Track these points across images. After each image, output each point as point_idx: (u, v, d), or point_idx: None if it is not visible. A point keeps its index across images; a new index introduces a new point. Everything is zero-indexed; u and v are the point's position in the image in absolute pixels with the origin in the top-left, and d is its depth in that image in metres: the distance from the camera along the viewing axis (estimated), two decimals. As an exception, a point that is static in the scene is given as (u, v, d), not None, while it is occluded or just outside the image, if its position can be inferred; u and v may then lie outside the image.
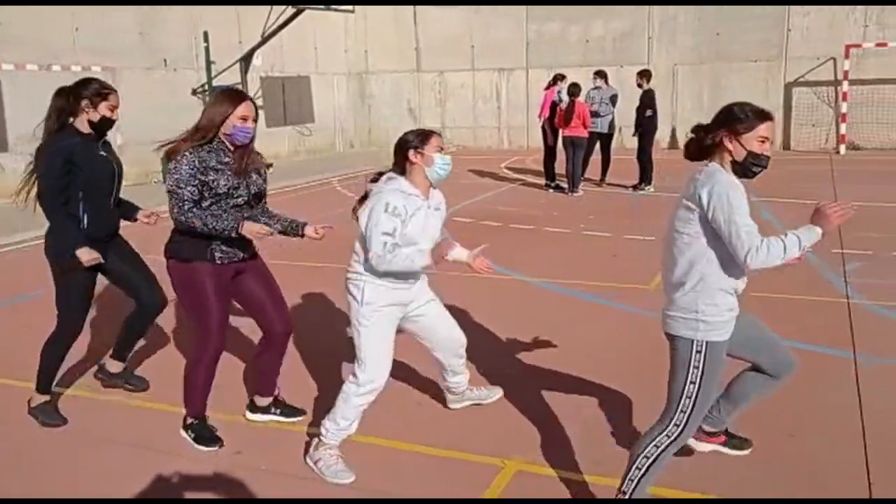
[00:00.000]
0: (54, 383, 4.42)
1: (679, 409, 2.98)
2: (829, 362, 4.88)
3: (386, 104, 21.92)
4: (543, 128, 13.20)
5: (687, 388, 2.95)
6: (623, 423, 4.11)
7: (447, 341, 3.96)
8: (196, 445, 3.93)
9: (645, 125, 12.78)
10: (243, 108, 3.65)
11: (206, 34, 15.28)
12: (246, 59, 16.15)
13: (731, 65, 18.27)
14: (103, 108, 4.16)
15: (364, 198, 3.60)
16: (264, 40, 15.98)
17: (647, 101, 12.73)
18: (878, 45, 16.57)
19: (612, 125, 13.21)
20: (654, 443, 3.01)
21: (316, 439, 3.72)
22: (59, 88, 4.17)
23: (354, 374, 3.60)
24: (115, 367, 4.72)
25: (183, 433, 4.01)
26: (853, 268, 7.18)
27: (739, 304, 3.03)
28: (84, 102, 4.11)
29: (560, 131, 12.59)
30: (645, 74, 12.96)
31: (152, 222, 4.40)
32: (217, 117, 3.63)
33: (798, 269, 7.30)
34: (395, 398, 4.29)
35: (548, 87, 13.44)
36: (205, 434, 3.98)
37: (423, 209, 3.50)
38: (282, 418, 4.22)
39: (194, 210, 3.59)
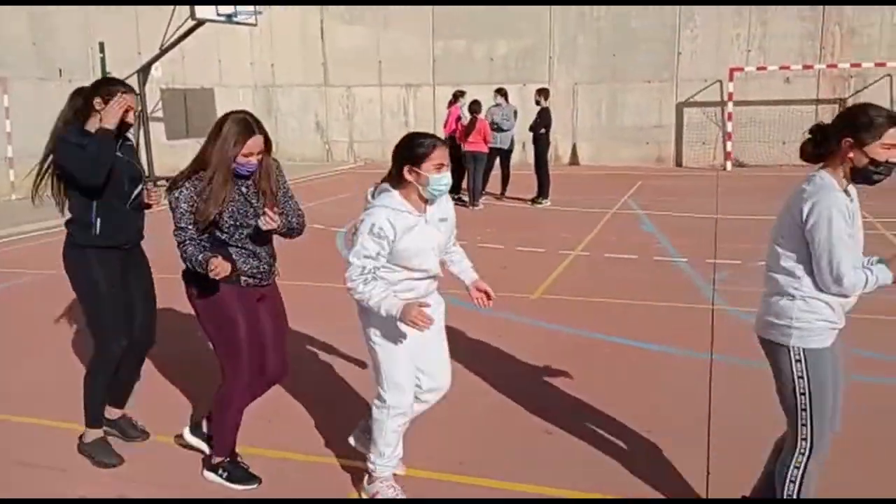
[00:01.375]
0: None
1: (800, 424, 2.89)
2: (688, 364, 5.25)
3: (293, 118, 21.87)
4: (452, 144, 13.52)
5: (799, 399, 2.89)
6: (495, 423, 4.32)
7: (431, 366, 3.61)
8: (231, 486, 3.67)
9: (539, 142, 13.26)
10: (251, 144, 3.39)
11: (101, 44, 14.95)
12: (144, 70, 15.85)
13: (627, 85, 19.09)
14: (116, 108, 3.78)
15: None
16: (163, 52, 15.73)
17: (542, 118, 13.22)
18: (759, 68, 17.68)
19: (512, 141, 13.64)
20: (793, 465, 2.92)
21: (367, 474, 3.54)
22: (75, 89, 3.92)
23: (379, 398, 3.40)
24: (113, 413, 4.20)
25: (210, 475, 3.72)
26: (722, 276, 7.69)
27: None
28: (96, 101, 3.78)
29: (461, 146, 12.92)
30: (543, 93, 13.46)
31: (153, 201, 4.00)
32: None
33: (673, 277, 7.80)
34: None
35: (450, 104, 13.79)
36: (238, 473, 3.72)
37: (419, 224, 3.24)
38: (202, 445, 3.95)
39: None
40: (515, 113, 13.57)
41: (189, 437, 3.94)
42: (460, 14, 19.75)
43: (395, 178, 3.27)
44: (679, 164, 19.02)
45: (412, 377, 3.40)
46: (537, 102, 13.41)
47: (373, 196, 3.31)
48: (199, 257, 3.32)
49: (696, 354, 5.44)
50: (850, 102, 17.73)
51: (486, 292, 3.51)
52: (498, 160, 13.52)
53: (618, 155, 19.14)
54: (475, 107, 12.74)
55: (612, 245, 9.41)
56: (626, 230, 10.43)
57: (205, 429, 3.91)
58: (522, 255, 9.02)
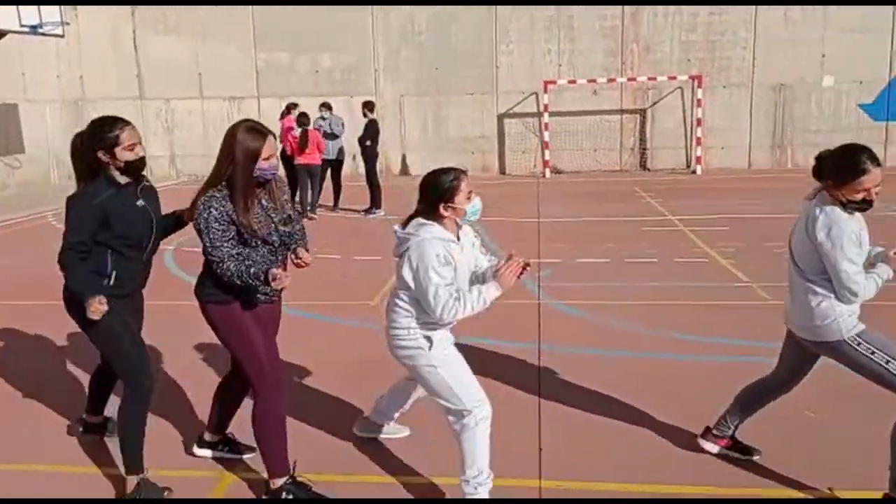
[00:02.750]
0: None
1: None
2: (518, 353, 5.67)
3: (108, 133, 20.71)
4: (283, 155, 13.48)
5: (879, 362, 3.35)
6: (338, 424, 4.47)
7: None
8: None
9: (366, 153, 13.51)
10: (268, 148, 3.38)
11: None
12: (-64, 84, 14.48)
13: (450, 97, 19.82)
14: (121, 153, 3.58)
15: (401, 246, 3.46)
16: (-42, 63, 14.46)
17: (368, 130, 13.49)
18: (570, 81, 18.99)
19: (341, 152, 13.78)
20: None
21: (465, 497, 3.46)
22: (76, 134, 3.72)
23: (458, 412, 3.43)
24: (94, 419, 4.36)
25: (272, 499, 3.58)
26: (546, 274, 8.29)
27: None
28: (100, 154, 3.57)
29: (294, 159, 12.90)
30: (368, 105, 13.73)
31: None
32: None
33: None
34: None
35: (282, 117, 13.74)
36: (302, 493, 3.57)
37: (458, 252, 3.41)
38: (230, 454, 4.05)
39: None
40: (343, 124, 13.76)
41: (199, 451, 4.04)
42: (282, 26, 19.66)
43: (429, 213, 3.41)
44: (503, 172, 19.99)
45: (476, 382, 3.51)
46: (364, 115, 13.66)
47: (404, 229, 3.45)
48: (253, 271, 3.31)
49: (525, 345, 5.87)
50: (649, 113, 19.52)
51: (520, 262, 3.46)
52: (329, 172, 13.62)
53: (445, 164, 19.61)
54: (304, 119, 12.80)
55: (445, 250, 9.81)
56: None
57: (206, 437, 4.03)
58: (360, 264, 9.21)
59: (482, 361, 5.54)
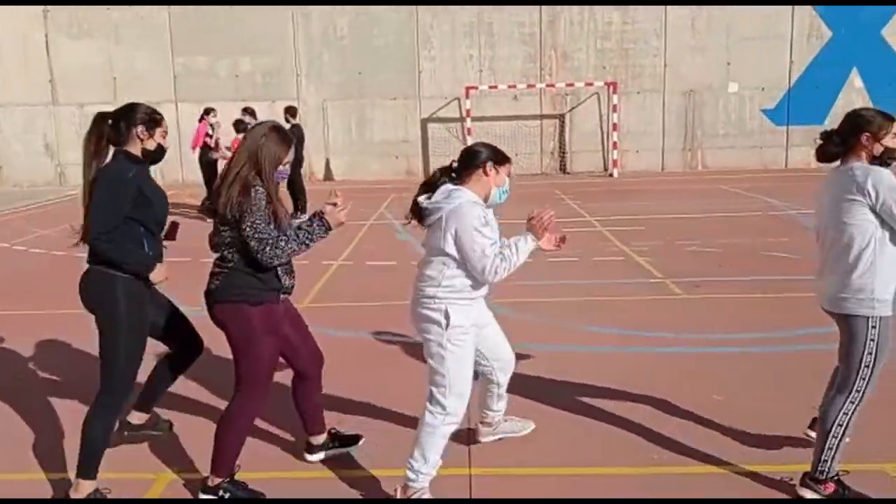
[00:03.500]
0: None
1: (860, 378, 3.45)
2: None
3: (17, 140, 20.01)
4: (201, 159, 13.40)
5: (865, 359, 3.44)
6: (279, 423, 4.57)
7: (508, 357, 3.97)
8: (246, 496, 3.63)
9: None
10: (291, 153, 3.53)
11: None
12: None
13: (374, 101, 19.94)
14: (158, 136, 3.67)
15: (415, 212, 3.57)
16: None
17: (294, 136, 13.49)
18: (491, 87, 19.40)
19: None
20: (842, 412, 3.47)
21: (400, 487, 3.50)
22: (99, 113, 3.68)
23: (438, 404, 3.44)
24: (138, 418, 4.17)
25: (209, 496, 3.60)
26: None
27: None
28: (140, 129, 3.60)
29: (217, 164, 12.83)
30: (290, 111, 13.70)
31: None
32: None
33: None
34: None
35: (200, 120, 13.64)
36: (239, 492, 3.63)
37: (490, 214, 3.52)
38: (342, 449, 4.08)
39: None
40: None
41: (312, 458, 4.01)
42: (200, 30, 19.40)
43: (464, 180, 3.53)
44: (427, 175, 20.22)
45: (471, 387, 3.53)
46: (287, 120, 13.64)
47: (429, 199, 3.51)
48: (308, 221, 3.42)
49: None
50: (567, 118, 20.10)
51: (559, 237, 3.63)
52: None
53: (370, 169, 19.91)
54: (240, 125, 12.81)
55: (372, 253, 9.96)
56: (384, 239, 11.04)
57: (312, 441, 4.03)
58: (287, 268, 9.25)
59: (410, 358, 5.72)
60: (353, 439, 4.13)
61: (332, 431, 4.13)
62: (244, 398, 3.54)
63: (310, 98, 19.76)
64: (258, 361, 3.50)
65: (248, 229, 3.31)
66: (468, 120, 19.32)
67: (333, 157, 20.21)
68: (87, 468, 3.57)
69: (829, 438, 3.49)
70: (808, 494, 3.56)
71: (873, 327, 3.41)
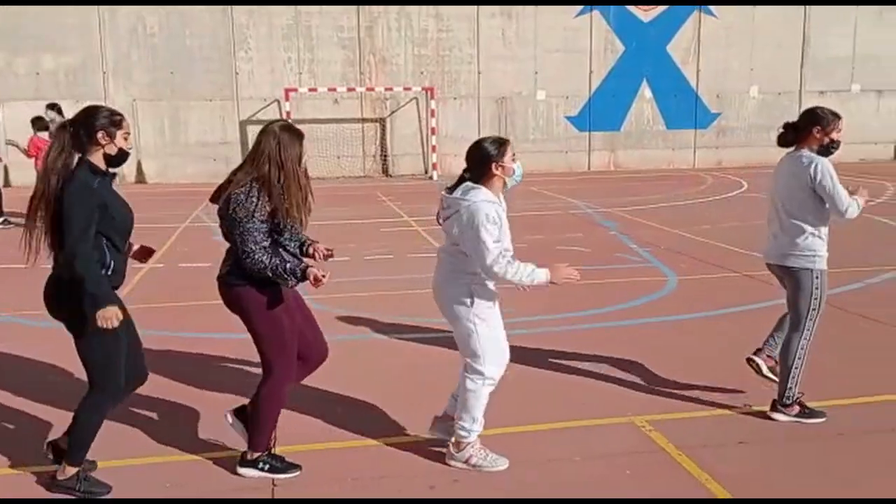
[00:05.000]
0: None
1: (809, 320, 4.35)
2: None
3: None
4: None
5: (812, 304, 4.33)
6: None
7: None
8: (275, 476, 3.79)
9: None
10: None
11: None
12: None
13: (188, 102, 19.39)
14: (120, 139, 3.56)
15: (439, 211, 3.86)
16: None
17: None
18: (311, 90, 19.48)
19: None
20: (799, 348, 4.36)
21: (451, 444, 3.88)
22: (62, 122, 3.63)
23: (476, 372, 3.80)
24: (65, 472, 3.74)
25: (248, 470, 3.80)
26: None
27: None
28: (100, 134, 3.49)
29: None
30: (53, 107, 12.92)
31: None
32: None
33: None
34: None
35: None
36: (279, 463, 3.85)
37: (503, 213, 3.76)
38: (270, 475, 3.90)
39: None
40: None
41: (243, 471, 3.87)
42: (-6, 23, 17.99)
43: (478, 177, 3.78)
44: (247, 179, 19.93)
45: (507, 349, 3.89)
46: (51, 119, 12.94)
47: (450, 193, 3.80)
48: (289, 266, 3.53)
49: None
50: (388, 122, 20.57)
51: None
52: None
53: (185, 171, 19.33)
54: (39, 122, 12.02)
55: (186, 255, 9.81)
56: (198, 241, 10.87)
57: (249, 456, 3.86)
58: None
59: (226, 355, 5.82)
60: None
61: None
62: (275, 376, 3.73)
63: (118, 97, 18.86)
64: (280, 338, 3.69)
65: (239, 234, 3.52)
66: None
67: (146, 160, 19.44)
68: (78, 455, 3.69)
69: (792, 370, 4.38)
70: (781, 417, 4.42)
71: (816, 278, 4.32)
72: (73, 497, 3.66)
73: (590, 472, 3.87)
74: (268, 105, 19.71)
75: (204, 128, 19.53)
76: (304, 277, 3.55)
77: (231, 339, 6.07)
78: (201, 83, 19.32)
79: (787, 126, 4.43)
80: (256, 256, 3.50)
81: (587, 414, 4.52)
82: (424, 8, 20.11)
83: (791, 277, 4.40)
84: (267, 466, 3.82)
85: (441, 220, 3.87)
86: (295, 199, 3.60)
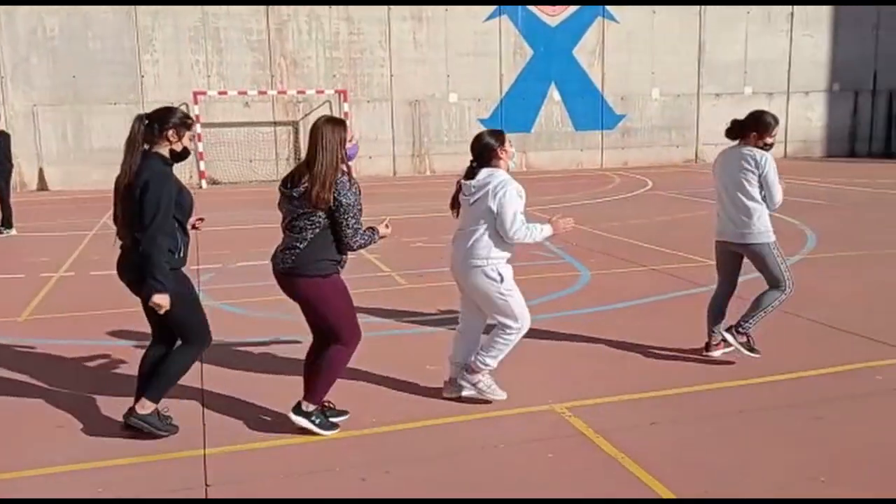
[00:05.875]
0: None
1: (786, 278, 5.17)
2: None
3: None
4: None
5: (781, 266, 5.16)
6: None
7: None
8: (320, 431, 4.24)
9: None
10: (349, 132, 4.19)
11: None
12: None
13: (91, 107, 18.76)
14: (186, 139, 4.09)
15: (457, 195, 4.61)
16: None
17: (-1, 146, 12.40)
18: (220, 93, 19.16)
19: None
20: (776, 300, 5.18)
21: (470, 368, 4.58)
22: (139, 115, 4.04)
23: (511, 327, 4.52)
24: (145, 407, 4.25)
25: (301, 420, 4.23)
26: (207, 278, 8.58)
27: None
28: (171, 132, 4.00)
29: None
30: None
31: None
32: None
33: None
34: None
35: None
36: (326, 422, 4.31)
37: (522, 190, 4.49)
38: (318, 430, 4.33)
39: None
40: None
41: (297, 419, 4.27)
42: None
43: (491, 161, 4.49)
44: (155, 184, 19.44)
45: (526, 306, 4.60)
46: None
47: (471, 177, 4.50)
48: (368, 233, 4.21)
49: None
50: (301, 125, 20.45)
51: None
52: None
53: (90, 178, 18.68)
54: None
55: (97, 263, 9.55)
56: (109, 249, 10.57)
57: (304, 407, 4.29)
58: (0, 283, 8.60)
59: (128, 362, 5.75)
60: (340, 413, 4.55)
61: (326, 406, 4.51)
62: (347, 343, 4.23)
63: (17, 103, 18.10)
64: (351, 313, 4.26)
65: (347, 220, 4.05)
66: (198, 126, 18.87)
67: (48, 166, 18.70)
68: (160, 393, 4.22)
69: (760, 311, 5.18)
70: (731, 339, 5.26)
71: (774, 247, 5.16)
72: (144, 429, 4.17)
73: (513, 457, 4.06)
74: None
75: (109, 133, 18.89)
76: (377, 235, 4.28)
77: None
78: (105, 87, 18.72)
79: (734, 122, 5.25)
80: (361, 231, 4.12)
81: (510, 404, 4.72)
82: (335, 10, 20.11)
83: (754, 254, 5.19)
84: (318, 421, 4.27)
85: (470, 204, 4.51)
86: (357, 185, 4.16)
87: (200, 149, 19.08)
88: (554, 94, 22.05)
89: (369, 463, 4.00)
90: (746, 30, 23.05)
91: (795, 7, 23.20)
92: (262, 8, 19.52)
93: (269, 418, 4.60)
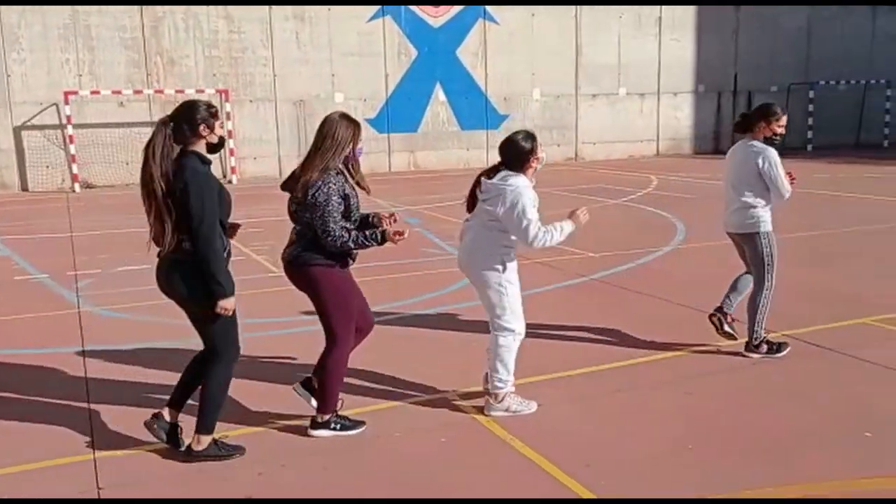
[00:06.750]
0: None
1: (767, 273, 5.37)
2: (65, 357, 5.76)
3: None
4: None
5: (767, 259, 5.36)
6: None
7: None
8: (346, 433, 4.24)
9: None
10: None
11: None
12: None
13: (-51, 107, 17.53)
14: (218, 129, 3.93)
15: (474, 189, 4.53)
16: None
17: None
18: (93, 92, 18.33)
19: None
20: (762, 297, 5.37)
21: (491, 397, 4.49)
22: (161, 120, 3.84)
23: (506, 329, 4.43)
24: (171, 415, 4.12)
25: (321, 432, 4.23)
26: (85, 284, 8.26)
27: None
28: (202, 127, 3.83)
29: None
30: None
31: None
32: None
33: (35, 291, 8.03)
34: None
35: None
36: (347, 422, 4.31)
37: (537, 199, 4.45)
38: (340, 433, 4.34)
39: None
40: None
41: (317, 433, 4.26)
42: None
43: (518, 167, 4.47)
44: (25, 188, 18.40)
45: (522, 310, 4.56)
46: None
47: (490, 179, 4.48)
48: (367, 233, 4.08)
49: (70, 349, 5.97)
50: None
51: None
52: None
53: (-50, 184, 17.48)
54: None
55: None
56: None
57: (319, 419, 4.28)
58: None
59: (27, 370, 5.53)
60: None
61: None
62: (339, 345, 4.20)
63: None
64: (347, 312, 4.21)
65: (322, 219, 3.99)
66: (69, 127, 18.01)
67: None
68: (212, 424, 4.02)
69: (757, 315, 5.38)
70: (754, 355, 5.41)
71: (766, 238, 5.38)
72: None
73: (409, 444, 4.21)
74: (45, 109, 18.29)
75: (-30, 134, 17.75)
76: (384, 240, 4.09)
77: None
78: (-35, 86, 17.54)
79: (742, 115, 5.59)
80: (337, 233, 3.99)
81: (403, 395, 4.86)
82: (214, 8, 19.63)
83: (748, 241, 5.47)
84: (339, 426, 4.29)
85: (483, 200, 4.48)
86: (358, 172, 4.22)
87: (73, 151, 18.20)
88: (439, 94, 22.37)
89: (266, 458, 4.04)
90: (619, 33, 24.14)
91: (663, 12, 24.50)
92: (136, 6, 18.80)
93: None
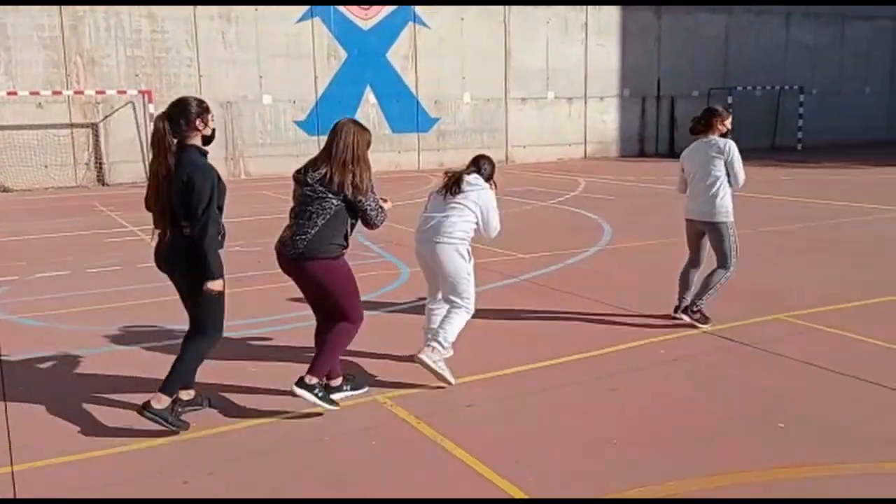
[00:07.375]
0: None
1: (733, 256, 6.01)
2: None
3: None
4: None
5: (732, 246, 6.00)
6: None
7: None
8: (322, 405, 4.46)
9: None
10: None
11: None
12: None
13: None
14: (210, 122, 4.24)
15: (454, 183, 5.15)
16: None
17: None
18: (10, 93, 17.63)
19: None
20: (721, 277, 6.03)
21: (430, 349, 4.96)
22: (158, 116, 4.20)
23: (465, 307, 5.11)
24: (186, 394, 4.53)
25: (304, 392, 4.41)
26: (2, 291, 7.94)
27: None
28: (197, 122, 4.15)
29: None
30: None
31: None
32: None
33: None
34: None
35: None
36: (327, 396, 4.52)
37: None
38: (354, 392, 4.85)
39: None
40: None
41: (300, 392, 4.45)
42: None
43: (487, 174, 5.34)
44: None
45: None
46: None
47: (465, 181, 5.17)
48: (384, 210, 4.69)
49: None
50: (101, 126, 19.27)
51: None
52: None
53: None
54: None
55: None
56: None
57: (307, 380, 4.47)
58: None
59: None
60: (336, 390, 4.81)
61: (347, 376, 4.86)
62: (350, 324, 4.57)
63: None
64: (356, 293, 4.63)
65: (370, 203, 4.52)
66: (-16, 129, 17.29)
67: None
68: (175, 387, 4.34)
69: (708, 289, 6.05)
70: (685, 318, 6.12)
71: (730, 227, 6.00)
72: (159, 426, 4.23)
73: (340, 447, 4.20)
74: (-44, 110, 17.51)
75: None
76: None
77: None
78: None
79: (695, 119, 6.15)
80: (381, 210, 4.63)
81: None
82: (136, 8, 19.13)
83: (714, 230, 6.02)
84: (320, 394, 4.47)
85: (454, 195, 5.11)
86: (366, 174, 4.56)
87: (-13, 154, 17.47)
88: (370, 96, 22.32)
89: (192, 466, 3.98)
90: (547, 38, 24.55)
91: (589, 18, 25.03)
92: (55, 6, 18.17)
93: (79, 430, 4.42)
